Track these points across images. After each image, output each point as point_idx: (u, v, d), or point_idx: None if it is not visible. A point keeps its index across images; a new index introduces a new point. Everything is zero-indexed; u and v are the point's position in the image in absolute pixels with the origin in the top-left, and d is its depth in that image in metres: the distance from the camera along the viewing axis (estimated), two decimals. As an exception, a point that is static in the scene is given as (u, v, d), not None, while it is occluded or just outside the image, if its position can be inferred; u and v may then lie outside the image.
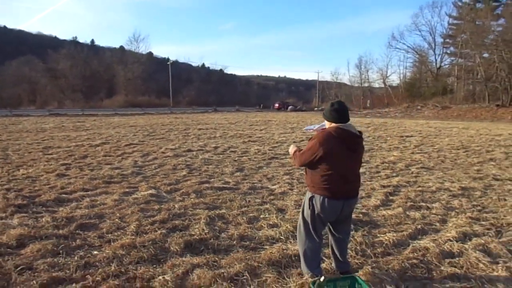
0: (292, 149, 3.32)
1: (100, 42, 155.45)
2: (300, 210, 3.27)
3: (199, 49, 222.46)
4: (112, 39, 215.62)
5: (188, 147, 11.91)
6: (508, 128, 22.86)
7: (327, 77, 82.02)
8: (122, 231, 4.25)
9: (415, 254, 3.70)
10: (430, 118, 35.70)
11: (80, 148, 11.57)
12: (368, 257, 3.64)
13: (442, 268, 3.40)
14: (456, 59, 49.58)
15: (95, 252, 3.62)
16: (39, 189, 6.30)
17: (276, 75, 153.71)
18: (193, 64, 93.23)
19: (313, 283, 2.68)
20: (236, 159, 9.93)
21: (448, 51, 53.54)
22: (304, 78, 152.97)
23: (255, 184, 6.97)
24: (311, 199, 3.06)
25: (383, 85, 59.74)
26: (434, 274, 3.29)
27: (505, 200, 6.00)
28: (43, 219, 4.60)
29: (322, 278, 2.66)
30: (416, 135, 17.70)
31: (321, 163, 2.94)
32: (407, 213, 5.17)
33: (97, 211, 5.01)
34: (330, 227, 3.25)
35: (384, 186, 6.82)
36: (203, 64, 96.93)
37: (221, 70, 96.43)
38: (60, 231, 4.17)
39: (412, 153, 11.67)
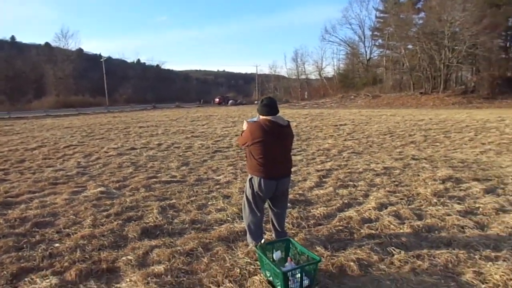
0: (245, 125, 3.81)
1: (22, 38, 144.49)
2: (244, 190, 3.84)
3: (133, 44, 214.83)
4: (35, 35, 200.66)
5: (131, 146, 12.00)
6: (429, 114, 25.36)
7: (266, 70, 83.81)
8: (79, 225, 4.55)
9: (341, 222, 4.45)
10: (363, 107, 38.21)
11: (15, 153, 11.20)
12: (303, 227, 4.32)
13: (362, 231, 4.17)
14: (384, 50, 53.26)
15: (57, 245, 3.91)
16: (-19, 194, 6.26)
17: (215, 69, 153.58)
18: (128, 60, 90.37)
19: (256, 246, 3.28)
20: (180, 154, 10.28)
21: (377, 43, 57.34)
22: (243, 71, 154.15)
23: (201, 176, 7.44)
24: (250, 180, 3.65)
25: (319, 77, 62.55)
26: (355, 236, 4.04)
27: (418, 175, 7.06)
28: (-5, 220, 4.73)
29: (262, 241, 3.28)
30: (349, 123, 19.11)
31: (254, 149, 3.52)
32: (337, 191, 5.97)
33: (50, 210, 5.21)
34: (270, 203, 3.86)
35: (318, 171, 7.63)
36: (139, 60, 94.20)
37: (157, 65, 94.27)
38: (17, 230, 4.38)
39: (345, 140, 12.78)
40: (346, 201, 5.39)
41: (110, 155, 10.31)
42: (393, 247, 3.63)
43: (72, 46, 67.44)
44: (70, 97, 54.58)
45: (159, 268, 3.27)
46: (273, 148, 3.55)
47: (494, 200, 5.26)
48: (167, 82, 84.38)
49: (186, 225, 4.48)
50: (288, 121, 3.73)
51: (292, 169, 7.44)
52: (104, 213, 4.99)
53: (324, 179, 6.88)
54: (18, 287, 3.08)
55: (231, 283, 2.95)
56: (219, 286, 2.91)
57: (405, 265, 3.28)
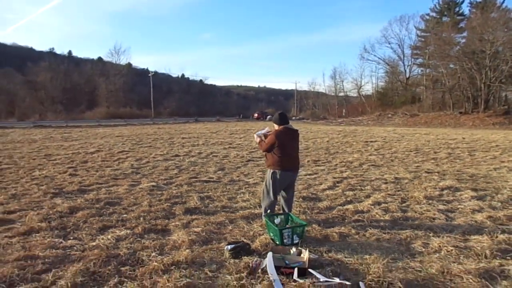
0: (256, 138, 5.28)
1: (78, 53, 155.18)
2: (264, 181, 5.19)
3: (179, 59, 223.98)
4: (89, 50, 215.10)
5: (175, 153, 13.71)
6: (464, 134, 25.54)
7: (305, 87, 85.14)
8: (138, 205, 6.09)
9: (338, 212, 5.68)
10: (399, 126, 38.47)
11: (78, 155, 13.20)
12: (307, 214, 5.59)
13: (352, 218, 5.39)
14: (424, 69, 53.09)
15: (125, 215, 5.46)
16: (61, 184, 8.00)
17: (256, 85, 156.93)
18: (173, 75, 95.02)
19: (264, 216, 4.65)
20: (218, 161, 11.80)
21: (417, 62, 57.16)
22: (283, 88, 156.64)
23: (234, 178, 8.86)
24: (273, 173, 5.00)
25: (357, 95, 62.95)
26: (346, 220, 5.27)
27: (422, 184, 8.07)
28: (78, 200, 6.38)
29: (268, 211, 4.64)
30: (380, 140, 19.96)
31: (277, 149, 4.90)
32: (344, 192, 7.17)
33: (115, 196, 6.82)
34: (283, 191, 5.18)
35: (335, 178, 8.82)
36: (183, 75, 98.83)
37: (201, 81, 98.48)
38: (95, 206, 5.99)
39: (370, 155, 13.78)
40: (349, 199, 6.59)
41: (157, 160, 12.01)
42: (369, 227, 4.84)
43: (123, 61, 72.52)
44: (119, 109, 58.68)
45: (197, 229, 4.71)
46: (290, 147, 4.97)
47: (476, 204, 6.24)
48: (209, 97, 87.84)
49: (218, 209, 5.90)
50: (297, 129, 5.14)
51: (312, 176, 8.76)
52: (157, 198, 6.52)
53: (337, 184, 8.07)
54: (105, 232, 4.61)
55: (246, 239, 4.29)
56: (237, 240, 4.27)
57: (373, 237, 4.48)
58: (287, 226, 4.37)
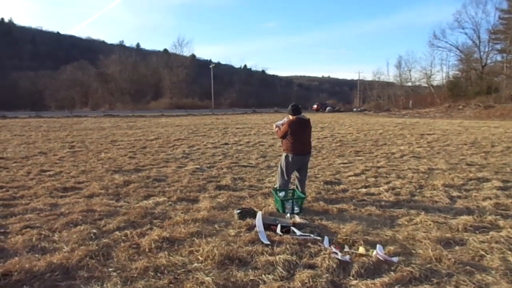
0: (275, 128, 6.29)
1: (145, 45, 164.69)
2: (279, 163, 6.20)
3: (241, 50, 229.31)
4: (156, 41, 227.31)
5: (225, 142, 15.11)
6: (541, 127, 24.03)
7: (369, 77, 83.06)
8: (179, 182, 7.42)
9: (350, 194, 6.53)
10: (470, 118, 36.71)
11: (139, 142, 15.09)
12: (321, 194, 6.50)
13: (359, 198, 6.21)
14: (505, 56, 49.53)
15: (167, 188, 6.80)
16: (120, 164, 9.63)
17: (320, 75, 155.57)
18: (235, 66, 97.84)
19: (273, 190, 5.70)
20: (262, 150, 12.93)
21: (497, 48, 53.34)
22: (349, 77, 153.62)
23: (271, 164, 9.91)
24: (286, 156, 5.98)
25: (426, 85, 60.38)
26: (352, 200, 6.11)
27: (450, 175, 8.48)
28: (132, 176, 7.89)
29: (275, 185, 5.68)
30: (439, 133, 19.72)
31: (290, 136, 5.87)
32: (367, 179, 7.92)
33: (163, 174, 8.24)
34: (296, 173, 6.15)
35: (367, 167, 9.49)
36: (245, 66, 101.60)
37: (262, 71, 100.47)
38: (145, 181, 7.44)
39: (419, 147, 14.00)
40: (367, 184, 7.36)
41: (207, 147, 13.43)
42: (370, 205, 5.65)
43: (186, 53, 76.32)
44: (182, 100, 62.35)
45: (221, 200, 5.92)
46: (301, 134, 5.92)
47: (494, 193, 6.62)
48: (269, 88, 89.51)
49: (245, 187, 7.04)
50: (309, 118, 6.06)
51: (346, 164, 9.50)
52: (196, 177, 7.82)
53: (365, 172, 8.77)
54: (148, 199, 5.97)
55: (257, 209, 5.35)
56: (251, 208, 5.35)
57: (366, 212, 5.31)
58: (289, 198, 5.37)
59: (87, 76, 69.32)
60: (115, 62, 68.52)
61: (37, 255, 3.71)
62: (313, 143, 15.42)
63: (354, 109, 61.60)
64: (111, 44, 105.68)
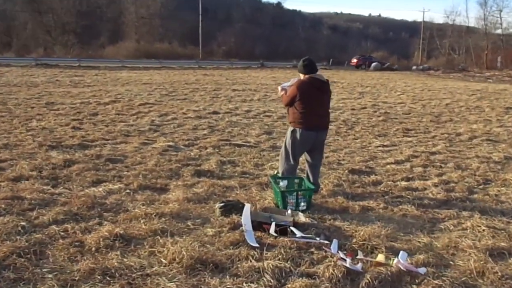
0: (280, 91, 6.69)
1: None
2: (284, 141, 6.63)
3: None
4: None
5: (214, 110, 15.63)
6: None
7: (440, 19, 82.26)
8: (143, 164, 7.94)
9: (384, 188, 7.02)
10: None
11: (87, 106, 15.64)
12: (342, 187, 6.97)
13: (397, 193, 6.70)
14: None
15: (125, 172, 7.34)
16: (60, 137, 10.16)
17: (366, 13, 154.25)
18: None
19: (272, 177, 6.19)
20: (268, 123, 13.42)
21: None
22: (410, 19, 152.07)
23: (278, 145, 10.34)
24: (293, 131, 6.39)
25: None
26: (385, 197, 6.58)
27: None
28: (76, 154, 8.43)
29: (275, 172, 6.14)
30: (535, 107, 19.96)
31: (299, 103, 6.27)
32: (413, 168, 8.39)
33: (120, 153, 8.78)
34: (307, 155, 6.58)
35: (416, 151, 9.92)
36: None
37: (278, 3, 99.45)
38: (94, 161, 7.97)
39: (500, 126, 14.40)
40: (411, 176, 7.85)
41: (187, 117, 13.95)
42: (405, 204, 6.13)
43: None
44: (153, 45, 62.72)
45: (199, 190, 6.43)
46: (315, 102, 6.29)
47: None
48: (287, 30, 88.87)
49: (236, 174, 7.55)
50: (327, 79, 6.45)
51: (387, 148, 9.98)
52: (167, 159, 8.35)
53: (411, 159, 9.21)
54: (97, 186, 6.48)
55: (249, 203, 5.82)
56: (238, 201, 5.83)
57: (399, 212, 5.80)
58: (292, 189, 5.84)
59: (10, 3, 68.88)
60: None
61: None
62: (345, 116, 15.99)
63: (414, 67, 61.49)
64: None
